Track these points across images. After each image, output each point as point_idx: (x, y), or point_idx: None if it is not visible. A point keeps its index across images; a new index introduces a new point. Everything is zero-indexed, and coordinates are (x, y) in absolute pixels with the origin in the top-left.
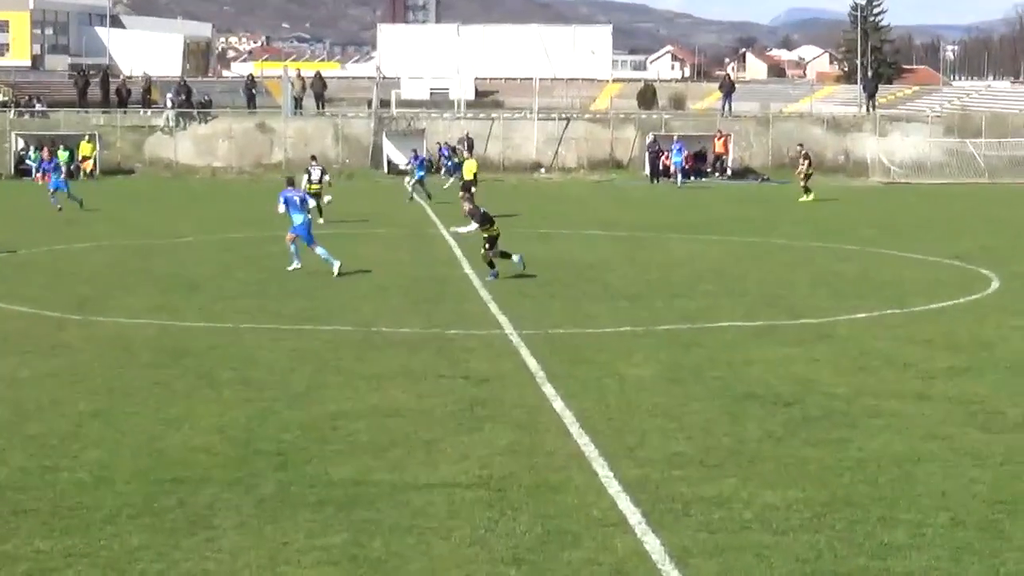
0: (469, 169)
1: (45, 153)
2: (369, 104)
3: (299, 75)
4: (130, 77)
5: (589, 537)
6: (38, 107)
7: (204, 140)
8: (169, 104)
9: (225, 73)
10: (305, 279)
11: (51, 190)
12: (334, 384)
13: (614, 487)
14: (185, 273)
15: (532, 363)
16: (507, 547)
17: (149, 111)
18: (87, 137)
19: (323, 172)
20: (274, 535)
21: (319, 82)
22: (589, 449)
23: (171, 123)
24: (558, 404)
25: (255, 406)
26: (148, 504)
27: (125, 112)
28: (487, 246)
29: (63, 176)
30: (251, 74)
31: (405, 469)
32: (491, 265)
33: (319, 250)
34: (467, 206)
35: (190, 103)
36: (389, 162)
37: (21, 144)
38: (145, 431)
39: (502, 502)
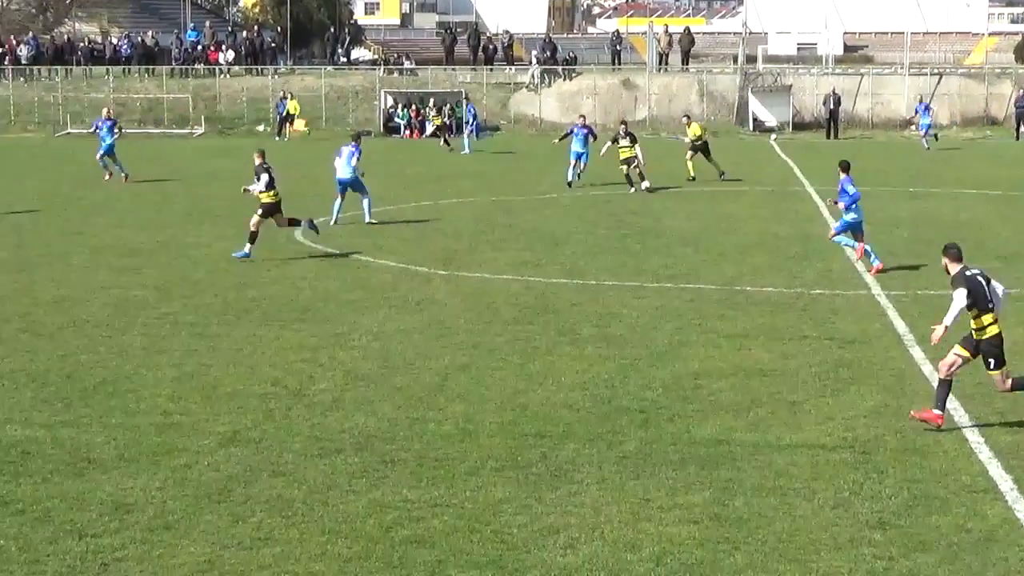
0: (693, 131)
1: (105, 112)
2: (735, 60)
3: (665, 31)
4: (496, 34)
5: (958, 503)
6: (407, 65)
7: (569, 97)
8: (534, 61)
9: (590, 30)
10: (665, 238)
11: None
12: (696, 343)
13: (984, 453)
14: (549, 229)
15: (900, 325)
16: (872, 510)
17: (514, 68)
18: (290, 95)
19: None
20: (635, 491)
21: (686, 38)
22: (958, 414)
23: (536, 80)
24: (927, 368)
25: (617, 363)
26: (512, 457)
27: (491, 69)
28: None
29: (114, 139)
30: (616, 30)
31: (768, 429)
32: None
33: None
34: (258, 159)
35: (555, 60)
36: (755, 119)
37: (390, 102)
38: (509, 386)
39: (867, 465)
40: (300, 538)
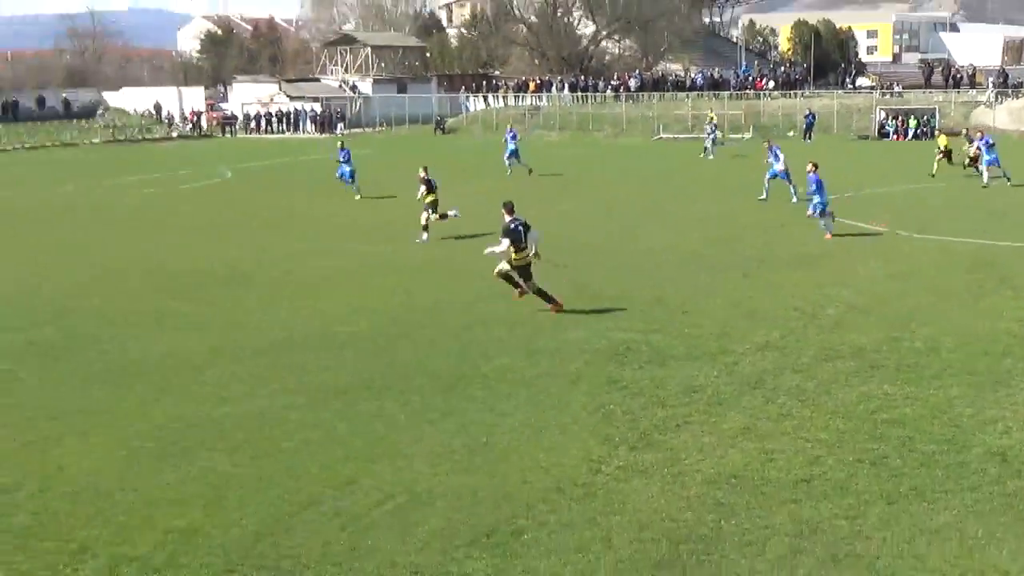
0: (943, 141)
1: (509, 124)
2: None
3: None
4: (962, 67)
5: None
6: (896, 89)
7: (1017, 111)
8: (990, 86)
9: None
10: None
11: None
12: None
13: None
14: (994, 207)
15: None
16: None
17: (975, 91)
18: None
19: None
20: None
21: None
22: None
23: (992, 99)
24: None
25: None
26: (964, 367)
27: (958, 92)
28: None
29: (516, 145)
30: None
31: None
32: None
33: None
34: (422, 173)
35: (1006, 84)
36: None
37: (883, 115)
38: (963, 318)
39: None
40: (811, 416)
